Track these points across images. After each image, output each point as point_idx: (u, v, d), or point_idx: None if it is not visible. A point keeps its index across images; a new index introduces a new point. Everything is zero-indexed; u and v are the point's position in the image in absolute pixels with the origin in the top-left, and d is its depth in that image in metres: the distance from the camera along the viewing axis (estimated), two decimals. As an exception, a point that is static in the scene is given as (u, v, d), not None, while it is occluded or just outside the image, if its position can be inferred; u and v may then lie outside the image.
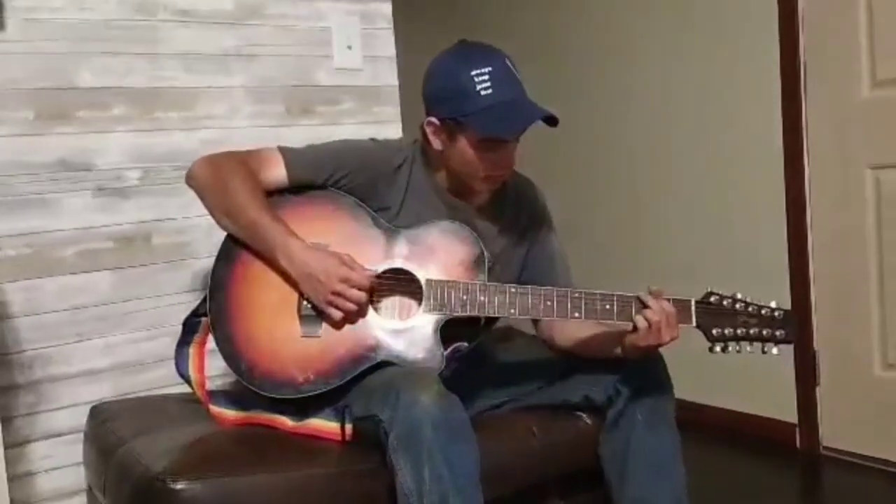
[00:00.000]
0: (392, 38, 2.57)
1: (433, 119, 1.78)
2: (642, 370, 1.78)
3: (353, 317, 1.73)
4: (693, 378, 2.93)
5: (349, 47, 2.48)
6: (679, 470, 1.79)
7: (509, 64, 1.74)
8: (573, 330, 1.86)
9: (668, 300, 1.67)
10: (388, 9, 2.56)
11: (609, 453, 1.81)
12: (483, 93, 1.69)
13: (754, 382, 3.10)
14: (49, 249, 2.09)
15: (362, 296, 1.70)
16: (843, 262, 2.85)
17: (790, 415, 3.03)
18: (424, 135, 1.81)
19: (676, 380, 1.83)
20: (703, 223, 3.25)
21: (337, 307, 1.71)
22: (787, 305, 1.73)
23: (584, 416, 1.88)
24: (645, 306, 1.67)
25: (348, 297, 1.69)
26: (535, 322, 1.95)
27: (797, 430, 3.01)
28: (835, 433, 2.94)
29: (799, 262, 2.95)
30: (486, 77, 1.69)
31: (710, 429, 3.13)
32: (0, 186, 2.02)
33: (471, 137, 1.73)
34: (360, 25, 2.50)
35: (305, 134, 2.32)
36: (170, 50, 2.23)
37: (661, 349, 1.79)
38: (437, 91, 1.76)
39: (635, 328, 1.69)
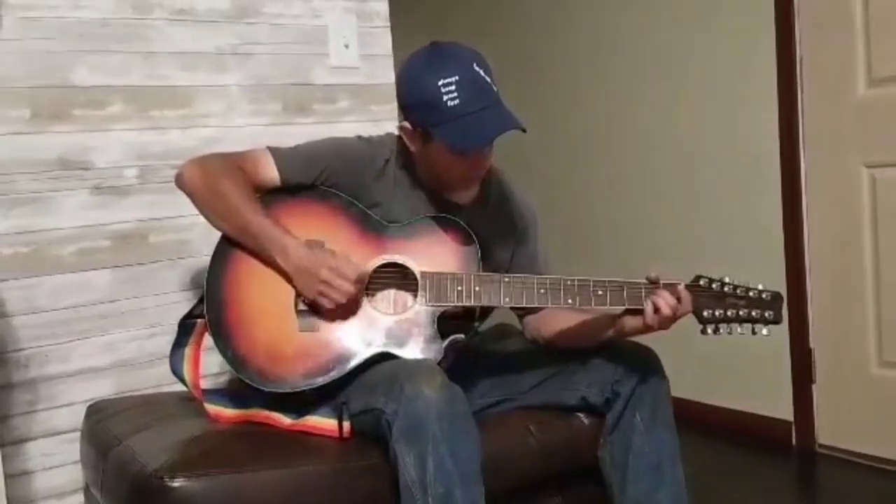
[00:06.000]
0: (389, 36, 2.57)
1: (406, 124, 1.78)
2: (640, 371, 1.79)
3: (349, 311, 1.74)
4: (690, 376, 2.94)
5: (346, 45, 2.49)
6: (678, 470, 1.79)
7: (477, 69, 1.70)
8: (560, 321, 1.86)
9: (660, 284, 1.69)
10: (384, 7, 2.56)
11: (609, 457, 1.82)
12: (450, 103, 1.67)
13: (751, 380, 3.11)
14: (47, 248, 2.09)
15: (349, 287, 1.70)
16: (840, 260, 2.85)
17: (786, 412, 3.03)
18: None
19: (673, 378, 1.83)
20: (700, 220, 3.25)
21: (325, 296, 1.71)
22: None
23: (582, 415, 1.88)
24: (661, 296, 1.66)
25: (335, 286, 1.70)
26: (521, 318, 1.96)
27: (793, 427, 3.02)
28: (831, 431, 2.94)
29: (795, 260, 2.95)
30: (453, 87, 1.67)
31: (706, 427, 3.14)
32: (-3, 185, 2.03)
33: (441, 145, 1.73)
34: (356, 23, 2.50)
35: (302, 132, 2.32)
36: (166, 48, 2.23)
37: (658, 349, 1.82)
38: (407, 99, 1.76)
39: (633, 312, 1.69)
